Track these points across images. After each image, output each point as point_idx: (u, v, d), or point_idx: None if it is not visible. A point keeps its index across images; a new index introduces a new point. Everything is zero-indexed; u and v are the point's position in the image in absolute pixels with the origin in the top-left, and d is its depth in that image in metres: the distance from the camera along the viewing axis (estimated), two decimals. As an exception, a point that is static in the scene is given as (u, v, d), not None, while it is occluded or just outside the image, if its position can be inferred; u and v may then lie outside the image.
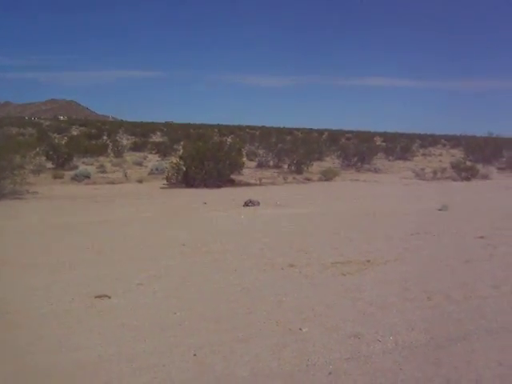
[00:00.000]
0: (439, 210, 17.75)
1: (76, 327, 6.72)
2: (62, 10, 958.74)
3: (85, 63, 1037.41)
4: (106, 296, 7.97)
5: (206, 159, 24.70)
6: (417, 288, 8.68)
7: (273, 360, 5.87)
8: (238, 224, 14.78)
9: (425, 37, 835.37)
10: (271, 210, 17.49)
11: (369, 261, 10.46)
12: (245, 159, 31.38)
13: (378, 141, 76.93)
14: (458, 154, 59.17)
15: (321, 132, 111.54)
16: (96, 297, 7.93)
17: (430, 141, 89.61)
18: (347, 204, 19.93)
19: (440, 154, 61.59)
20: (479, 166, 35.20)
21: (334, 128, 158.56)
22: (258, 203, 18.42)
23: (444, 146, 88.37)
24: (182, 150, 30.40)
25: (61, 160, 30.77)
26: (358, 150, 40.83)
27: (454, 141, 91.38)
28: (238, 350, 6.11)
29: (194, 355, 5.96)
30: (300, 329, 6.75)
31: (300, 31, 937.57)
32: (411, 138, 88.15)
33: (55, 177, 26.04)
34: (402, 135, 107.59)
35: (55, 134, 55.32)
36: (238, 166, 27.42)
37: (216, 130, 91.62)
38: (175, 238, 12.47)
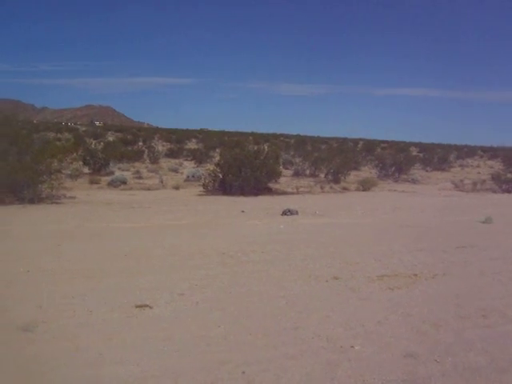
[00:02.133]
0: (483, 222, 17.27)
1: (117, 339, 6.45)
2: (100, 15, 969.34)
3: (121, 69, 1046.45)
4: (147, 306, 7.70)
5: (244, 167, 24.46)
6: (470, 305, 8.28)
7: (326, 380, 5.53)
8: (277, 233, 14.47)
9: (462, 46, 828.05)
10: (310, 220, 17.17)
11: (416, 274, 10.08)
12: (281, 167, 31.17)
13: (414, 151, 76.13)
14: (495, 165, 58.35)
15: (355, 141, 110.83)
16: (137, 306, 7.67)
17: (466, 152, 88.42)
18: (387, 215, 19.51)
19: (478, 166, 60.66)
20: (520, 178, 34.46)
21: (368, 137, 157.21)
22: (297, 212, 18.12)
23: (481, 157, 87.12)
24: (218, 157, 30.22)
25: (97, 165, 30.85)
26: (396, 160, 40.33)
27: (491, 152, 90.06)
28: (288, 367, 5.78)
29: (243, 373, 5.64)
30: (352, 346, 6.40)
31: (333, 38, 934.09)
32: (447, 148, 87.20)
33: (92, 182, 26.07)
34: (437, 146, 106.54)
35: (91, 140, 55.42)
36: (275, 175, 27.14)
37: (251, 138, 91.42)
38: (214, 247, 12.20)
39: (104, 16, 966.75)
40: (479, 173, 46.77)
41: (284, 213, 18.05)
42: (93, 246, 11.88)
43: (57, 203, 19.16)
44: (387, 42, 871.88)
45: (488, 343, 6.66)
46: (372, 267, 10.62)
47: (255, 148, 30.23)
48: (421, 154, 63.51)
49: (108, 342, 6.33)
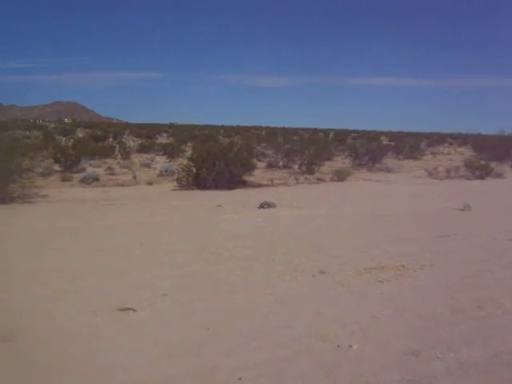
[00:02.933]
0: (461, 210, 17.16)
1: (102, 345, 6.08)
2: (65, 12, 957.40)
3: (89, 65, 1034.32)
4: (131, 309, 7.34)
5: (217, 160, 24.18)
6: (463, 296, 8.05)
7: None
8: (256, 227, 14.23)
9: (429, 35, 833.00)
10: (288, 212, 16.98)
11: (403, 266, 9.85)
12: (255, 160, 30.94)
13: (384, 140, 76.22)
14: (466, 152, 58.74)
15: (326, 132, 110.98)
16: (120, 309, 7.30)
17: (436, 139, 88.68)
18: (364, 204, 19.42)
19: (449, 153, 60.99)
20: (492, 165, 34.58)
21: (338, 128, 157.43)
22: (274, 205, 17.92)
23: (451, 144, 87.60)
24: (191, 151, 29.90)
25: (69, 162, 30.31)
26: (369, 150, 40.33)
27: (460, 139, 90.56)
28: (287, 371, 5.46)
29: (240, 379, 5.31)
30: (350, 345, 6.10)
31: (303, 31, 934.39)
32: (417, 136, 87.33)
33: (63, 179, 25.60)
34: (407, 134, 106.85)
35: (61, 137, 54.63)
36: (249, 167, 26.92)
37: (221, 131, 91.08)
38: (193, 243, 11.93)
39: (69, 13, 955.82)
40: (451, 160, 46.95)
41: (261, 206, 17.83)
42: (69, 246, 11.49)
43: (29, 202, 18.75)
44: (353, 32, 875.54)
45: (489, 336, 6.42)
46: (357, 259, 10.37)
47: (228, 141, 30.01)
48: (392, 143, 63.55)
49: (92, 349, 5.97)
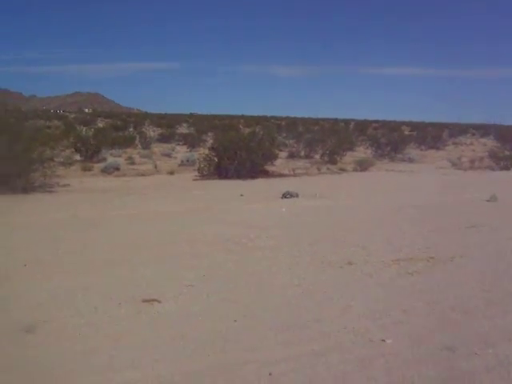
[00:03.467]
0: (488, 200, 16.82)
1: (127, 339, 5.92)
2: (87, 2, 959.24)
3: (109, 56, 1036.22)
4: (156, 300, 7.16)
5: (239, 150, 23.93)
6: (497, 289, 7.81)
7: (363, 380, 5.01)
8: (279, 217, 14.02)
9: (452, 24, 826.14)
10: (311, 202, 16.73)
11: (432, 257, 9.61)
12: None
13: (406, 130, 75.63)
14: (489, 143, 58.05)
15: (346, 122, 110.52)
16: (144, 301, 7.13)
17: (458, 130, 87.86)
18: (388, 195, 19.13)
19: (471, 143, 60.32)
20: (517, 155, 34.10)
21: (358, 118, 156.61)
22: (297, 195, 17.67)
23: (473, 134, 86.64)
24: (213, 141, 29.67)
25: (89, 152, 30.21)
26: (391, 140, 39.92)
27: (482, 129, 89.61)
28: (318, 366, 5.25)
29: (270, 374, 5.10)
30: (383, 340, 5.88)
31: (322, 20, 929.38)
32: (438, 127, 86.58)
33: (84, 169, 25.49)
34: (428, 124, 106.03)
35: (81, 126, 54.74)
36: (271, 157, 26.68)
37: (241, 121, 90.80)
38: (216, 233, 11.73)
39: (90, 3, 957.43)
40: (474, 150, 46.49)
41: (284, 195, 17.60)
42: (91, 236, 11.34)
43: (50, 192, 18.64)
44: (372, 21, 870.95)
45: (527, 331, 6.19)
46: (385, 250, 10.16)
47: (249, 131, 29.81)
48: (413, 133, 63.02)
49: (117, 343, 5.79)
